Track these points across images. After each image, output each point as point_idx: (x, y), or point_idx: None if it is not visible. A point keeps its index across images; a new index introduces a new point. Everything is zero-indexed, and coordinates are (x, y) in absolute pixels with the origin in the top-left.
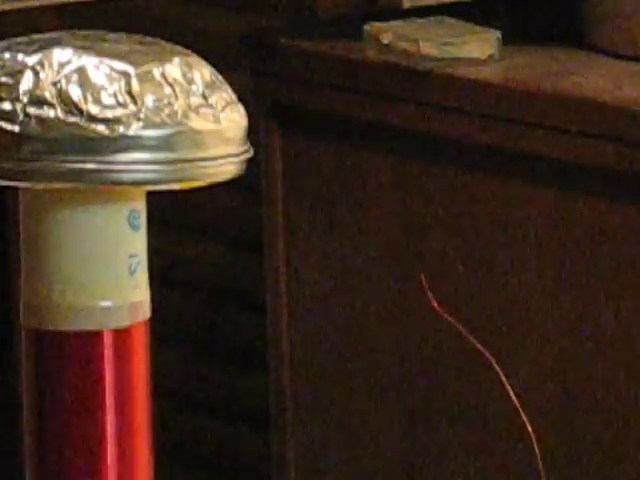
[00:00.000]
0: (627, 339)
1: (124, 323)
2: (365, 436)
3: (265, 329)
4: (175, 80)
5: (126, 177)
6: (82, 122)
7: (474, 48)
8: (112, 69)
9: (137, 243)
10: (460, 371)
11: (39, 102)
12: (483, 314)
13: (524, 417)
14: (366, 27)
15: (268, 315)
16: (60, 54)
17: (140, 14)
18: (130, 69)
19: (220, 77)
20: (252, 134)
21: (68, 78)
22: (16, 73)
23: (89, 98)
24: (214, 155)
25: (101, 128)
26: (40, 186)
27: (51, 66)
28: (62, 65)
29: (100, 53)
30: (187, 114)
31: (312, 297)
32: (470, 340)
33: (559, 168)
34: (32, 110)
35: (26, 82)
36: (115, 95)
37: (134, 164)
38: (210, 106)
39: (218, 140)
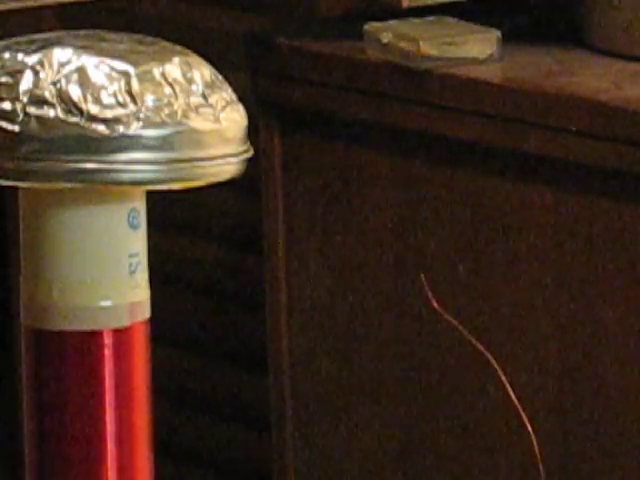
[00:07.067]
0: (627, 339)
1: (124, 323)
2: (365, 436)
3: (265, 329)
4: (175, 80)
5: (126, 177)
6: (82, 122)
7: (474, 48)
8: (112, 69)
9: (137, 243)
10: (460, 371)
11: (39, 102)
12: (483, 314)
13: (524, 417)
14: (366, 27)
15: (268, 315)
16: (60, 54)
17: (140, 14)
18: (130, 69)
19: (220, 77)
20: (252, 134)
21: (68, 78)
22: (16, 73)
23: (89, 98)
24: (214, 155)
25: (101, 128)
26: (40, 186)
27: (51, 66)
28: (62, 65)
29: (100, 53)
30: (187, 114)
31: (312, 297)
32: (470, 340)
33: (559, 168)
34: (32, 110)
35: (26, 82)
36: (115, 95)
37: (134, 164)
38: (210, 106)
39: (218, 140)
